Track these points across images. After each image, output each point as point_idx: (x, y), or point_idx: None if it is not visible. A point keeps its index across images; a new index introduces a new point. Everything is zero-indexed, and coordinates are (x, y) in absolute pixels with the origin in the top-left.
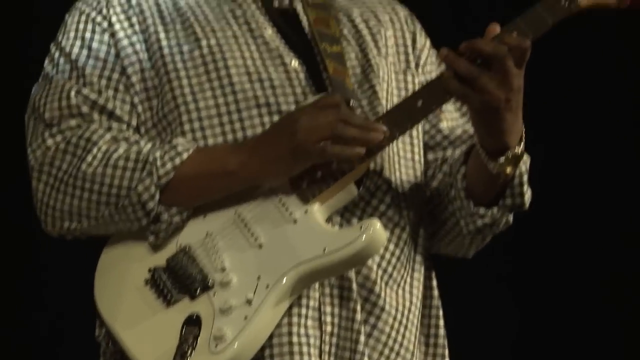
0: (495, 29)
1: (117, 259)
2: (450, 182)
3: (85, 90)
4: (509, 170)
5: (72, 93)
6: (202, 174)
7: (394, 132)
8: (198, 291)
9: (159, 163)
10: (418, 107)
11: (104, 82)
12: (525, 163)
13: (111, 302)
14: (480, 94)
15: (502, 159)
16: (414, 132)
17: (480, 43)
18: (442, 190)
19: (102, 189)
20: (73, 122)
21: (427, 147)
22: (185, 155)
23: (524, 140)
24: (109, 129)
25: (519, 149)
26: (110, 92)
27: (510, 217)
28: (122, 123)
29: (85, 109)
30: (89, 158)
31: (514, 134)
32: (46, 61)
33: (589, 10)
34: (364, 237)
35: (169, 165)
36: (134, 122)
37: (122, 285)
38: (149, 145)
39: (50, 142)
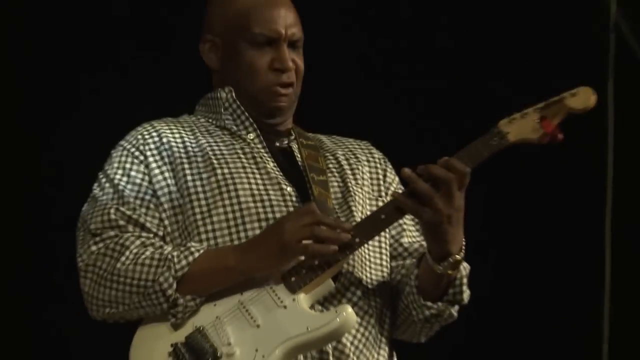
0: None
1: (147, 337)
2: (406, 282)
3: (123, 208)
4: (450, 272)
5: (112, 210)
6: (210, 268)
7: (362, 239)
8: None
9: (176, 260)
10: (381, 219)
11: (138, 201)
12: (465, 268)
13: None
14: (430, 210)
15: (445, 264)
16: (382, 244)
17: (434, 168)
18: (400, 288)
19: (133, 281)
20: (112, 233)
21: (391, 257)
22: (197, 254)
23: (463, 249)
24: (140, 236)
25: (460, 256)
26: (143, 210)
27: (454, 311)
28: (150, 233)
29: (122, 222)
30: (123, 258)
31: (455, 243)
32: (95, 185)
33: (516, 144)
34: (338, 318)
35: (184, 262)
36: (160, 233)
37: (151, 357)
38: (170, 248)
39: (94, 248)
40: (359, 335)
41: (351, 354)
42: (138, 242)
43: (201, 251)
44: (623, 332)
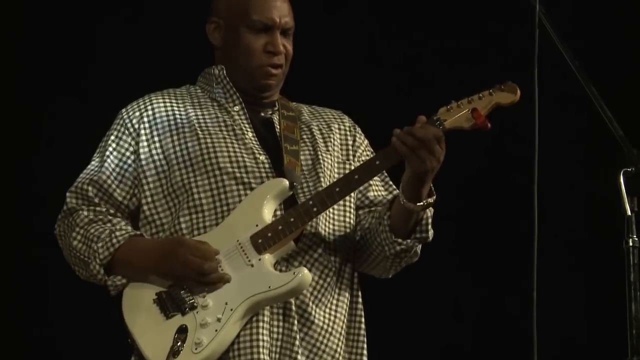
0: (423, 118)
1: (136, 286)
2: (378, 222)
3: (97, 178)
4: (420, 211)
5: (87, 182)
6: (127, 260)
7: (320, 208)
8: (187, 310)
9: (100, 251)
10: (336, 191)
11: (116, 171)
12: (430, 211)
13: (131, 315)
14: (420, 159)
15: (420, 204)
16: (347, 201)
17: (417, 129)
18: (372, 228)
19: (80, 257)
20: (76, 205)
21: (357, 207)
22: (117, 245)
23: (433, 195)
24: (94, 211)
25: (432, 199)
26: (116, 181)
27: (419, 248)
28: (114, 202)
29: (91, 193)
30: (73, 234)
31: (426, 189)
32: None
33: (451, 130)
34: (295, 279)
35: (106, 253)
36: (125, 202)
37: (138, 303)
38: (107, 231)
39: (59, 224)
40: (317, 286)
41: (310, 303)
42: (86, 220)
43: (122, 241)
44: None
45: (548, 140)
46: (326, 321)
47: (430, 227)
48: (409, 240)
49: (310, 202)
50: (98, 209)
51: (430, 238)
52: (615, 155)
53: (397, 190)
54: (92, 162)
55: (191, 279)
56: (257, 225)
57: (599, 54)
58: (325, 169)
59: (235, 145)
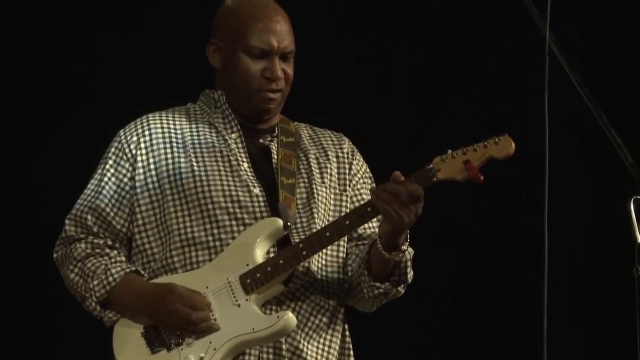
0: (399, 176)
1: (126, 322)
2: (358, 264)
3: (96, 205)
4: (397, 258)
5: (86, 210)
6: (121, 300)
7: (309, 252)
8: (172, 346)
9: (96, 289)
10: (326, 236)
11: (114, 197)
12: (409, 252)
13: (119, 347)
14: (397, 215)
15: (394, 253)
16: (342, 240)
17: (389, 186)
18: (354, 268)
19: (77, 290)
20: (75, 235)
21: (347, 239)
22: (113, 284)
23: (408, 238)
24: (91, 243)
25: (405, 246)
26: (115, 209)
27: (401, 289)
28: (112, 231)
29: (90, 223)
30: (71, 267)
31: (403, 238)
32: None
33: (444, 181)
34: (279, 322)
35: (102, 291)
36: (124, 230)
37: (127, 336)
38: (102, 267)
39: (57, 250)
40: (309, 324)
41: (302, 340)
42: (83, 254)
43: (117, 280)
44: None
45: (557, 167)
46: (319, 357)
47: (409, 270)
48: (387, 284)
49: (300, 246)
50: (96, 241)
51: (410, 281)
52: (625, 183)
53: None
54: (90, 187)
55: (178, 327)
56: (247, 265)
57: (606, 78)
58: (320, 204)
59: (230, 178)
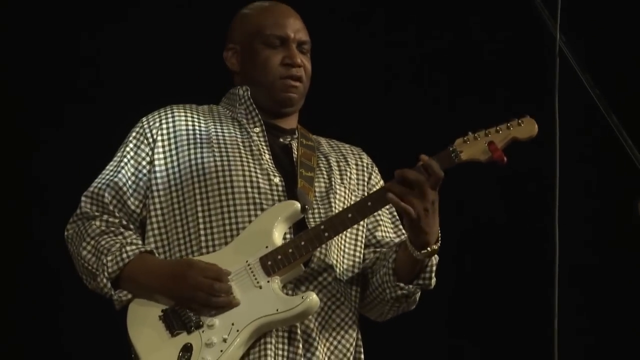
0: (424, 157)
1: (142, 302)
2: (383, 264)
3: (114, 184)
4: (424, 258)
5: (104, 187)
6: (134, 278)
7: (331, 233)
8: (192, 328)
9: (109, 264)
10: (349, 217)
11: (131, 179)
12: (435, 258)
13: (136, 330)
14: (408, 205)
15: (424, 251)
16: (359, 236)
17: (407, 172)
18: (375, 269)
19: (87, 268)
20: (90, 212)
21: (364, 245)
22: (127, 260)
23: (439, 240)
24: (106, 222)
25: (436, 246)
26: (131, 190)
27: (418, 296)
28: (127, 211)
29: (107, 200)
30: (84, 244)
31: (432, 234)
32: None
33: (467, 162)
34: (303, 303)
35: (115, 267)
36: (138, 210)
37: (144, 319)
38: (118, 244)
39: (69, 228)
40: (323, 314)
41: (315, 328)
42: (98, 231)
43: (131, 257)
44: None
45: (567, 167)
46: (331, 347)
47: (434, 275)
48: (410, 286)
49: (322, 227)
50: (111, 219)
51: (433, 286)
52: (636, 183)
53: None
54: (109, 167)
55: (200, 301)
56: (267, 247)
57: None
58: (338, 199)
59: (251, 165)
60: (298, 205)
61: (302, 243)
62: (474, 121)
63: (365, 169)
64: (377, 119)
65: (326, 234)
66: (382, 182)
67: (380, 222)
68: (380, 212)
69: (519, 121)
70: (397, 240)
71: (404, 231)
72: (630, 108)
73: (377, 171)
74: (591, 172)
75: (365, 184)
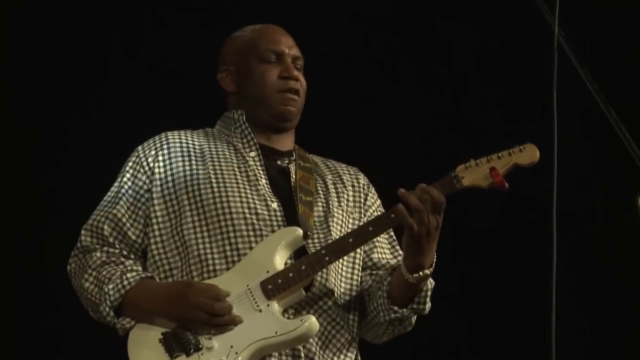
0: (422, 186)
1: (143, 326)
2: (378, 287)
3: (113, 215)
4: (417, 282)
5: (103, 219)
6: (136, 304)
7: (331, 257)
8: (192, 351)
9: (110, 293)
10: (349, 242)
11: (130, 209)
12: (430, 283)
13: (136, 353)
14: (414, 226)
15: (416, 275)
16: (356, 259)
17: (409, 197)
18: (371, 292)
19: (90, 299)
20: (90, 245)
21: (361, 268)
22: (128, 287)
23: (433, 266)
24: (107, 252)
25: (429, 271)
26: (131, 220)
27: (413, 320)
28: (128, 241)
29: (106, 233)
30: (86, 276)
31: (428, 259)
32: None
33: (468, 189)
34: (302, 326)
35: (117, 295)
36: (139, 240)
37: (144, 342)
38: (118, 273)
39: (71, 263)
40: (323, 338)
41: (318, 351)
42: (99, 262)
43: (132, 284)
44: None
45: (566, 163)
46: None
47: (428, 299)
48: (405, 310)
49: (323, 252)
50: (112, 250)
51: (427, 311)
52: (635, 178)
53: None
54: (107, 197)
55: (201, 321)
56: (267, 272)
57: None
58: (337, 223)
59: (248, 191)
60: (300, 231)
61: (303, 267)
62: (473, 122)
63: (361, 189)
64: (374, 131)
65: (327, 259)
66: (378, 201)
67: (377, 244)
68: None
69: (521, 147)
70: (393, 262)
71: (400, 252)
72: (629, 103)
73: (373, 191)
74: (590, 167)
75: (362, 204)
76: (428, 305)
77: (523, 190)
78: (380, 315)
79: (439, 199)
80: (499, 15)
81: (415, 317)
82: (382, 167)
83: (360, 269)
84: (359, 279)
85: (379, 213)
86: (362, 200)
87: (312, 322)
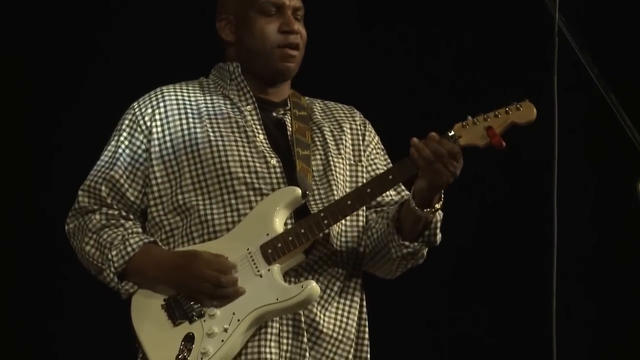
0: (435, 135)
1: (146, 294)
2: (387, 223)
3: (110, 176)
4: (430, 217)
5: (100, 180)
6: (140, 270)
7: (330, 220)
8: (194, 318)
9: (115, 259)
10: (347, 204)
11: (128, 169)
12: (440, 214)
13: (139, 320)
14: (436, 173)
15: (428, 209)
16: (361, 211)
17: (434, 143)
18: (379, 229)
19: (92, 262)
20: (88, 206)
21: (366, 207)
22: (132, 254)
23: (442, 199)
24: (106, 214)
25: (439, 205)
26: (129, 180)
27: (425, 251)
28: (126, 203)
29: (104, 193)
30: (86, 239)
31: (439, 196)
32: (109, 141)
33: (465, 147)
34: (303, 292)
35: (121, 261)
36: (137, 202)
37: (147, 309)
38: (120, 237)
39: (70, 223)
40: (325, 296)
41: (319, 312)
42: (99, 225)
43: (136, 250)
44: None
45: (565, 150)
46: (336, 329)
47: (438, 230)
48: (416, 243)
49: (322, 214)
50: (110, 211)
51: (438, 242)
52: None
53: (406, 192)
54: (103, 157)
55: (205, 292)
56: (267, 235)
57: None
58: (337, 175)
59: (247, 149)
60: (299, 191)
61: (302, 231)
62: (474, 101)
63: (358, 129)
64: (373, 90)
65: (326, 222)
66: (377, 138)
67: None
68: (379, 172)
69: (518, 105)
70: (397, 197)
71: (403, 188)
72: (630, 89)
73: (370, 128)
74: (591, 153)
75: (360, 144)
76: (439, 236)
77: (523, 174)
78: (391, 251)
79: (453, 149)
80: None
81: (426, 249)
82: (377, 121)
83: (364, 210)
84: (363, 222)
85: (378, 150)
86: (360, 141)
87: (312, 287)
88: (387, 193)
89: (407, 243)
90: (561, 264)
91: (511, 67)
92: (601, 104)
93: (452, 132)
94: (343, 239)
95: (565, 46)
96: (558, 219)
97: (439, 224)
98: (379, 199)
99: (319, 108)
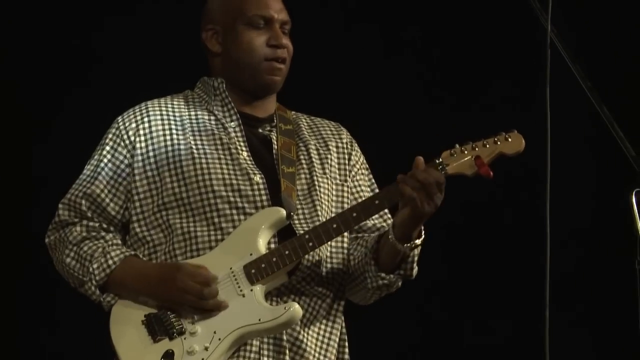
0: (422, 162)
1: (125, 304)
2: (365, 252)
3: (91, 191)
4: (409, 252)
5: (80, 195)
6: (122, 283)
7: (315, 243)
8: (175, 335)
9: (96, 272)
10: (333, 227)
11: (110, 184)
12: (418, 249)
13: (118, 333)
14: (419, 202)
15: (407, 245)
16: (346, 233)
17: (420, 172)
18: (357, 257)
19: (73, 274)
20: (69, 219)
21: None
22: (113, 267)
23: (422, 236)
24: (87, 227)
25: (419, 241)
26: (110, 195)
27: (400, 283)
28: (106, 217)
29: (84, 207)
30: (67, 251)
31: (419, 230)
32: (93, 155)
33: (453, 176)
34: (285, 314)
35: (102, 274)
36: (118, 216)
37: (127, 322)
38: (100, 249)
39: (51, 235)
40: (307, 315)
41: (302, 331)
42: (79, 238)
43: (117, 263)
44: None
45: (558, 160)
46: (317, 349)
47: (415, 265)
48: (392, 276)
49: (307, 237)
50: (91, 224)
51: (414, 276)
52: (627, 176)
53: (391, 220)
54: (86, 172)
55: (187, 304)
56: (251, 255)
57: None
58: (322, 195)
59: (230, 167)
60: (284, 212)
61: (287, 252)
62: (465, 115)
63: (345, 148)
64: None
65: (310, 244)
66: (362, 158)
67: None
68: (363, 193)
69: (506, 136)
70: (379, 224)
71: (389, 216)
72: (622, 100)
73: (357, 148)
74: (582, 164)
75: (347, 164)
76: (415, 270)
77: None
78: (367, 281)
79: (439, 179)
80: (492, 11)
81: (401, 282)
82: (367, 135)
83: (348, 233)
84: (346, 244)
85: (363, 171)
86: (346, 160)
87: (295, 309)
88: (373, 220)
89: (383, 275)
90: (553, 275)
91: (503, 81)
92: (595, 116)
93: (440, 160)
94: (328, 261)
95: (557, 59)
96: (551, 222)
97: (416, 258)
98: (361, 223)
99: (305, 124)
